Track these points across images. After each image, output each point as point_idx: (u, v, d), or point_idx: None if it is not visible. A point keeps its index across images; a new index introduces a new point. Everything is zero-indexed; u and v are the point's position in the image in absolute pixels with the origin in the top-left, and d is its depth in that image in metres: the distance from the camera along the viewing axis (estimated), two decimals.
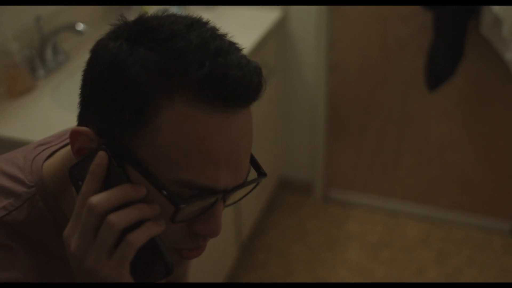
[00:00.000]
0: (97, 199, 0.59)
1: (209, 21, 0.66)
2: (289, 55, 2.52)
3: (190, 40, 0.60)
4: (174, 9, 2.28)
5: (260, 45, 2.17)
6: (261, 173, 0.71)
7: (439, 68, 2.12)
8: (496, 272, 2.39)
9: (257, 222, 2.66)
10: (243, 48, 0.65)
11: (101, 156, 0.61)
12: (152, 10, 2.20)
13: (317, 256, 2.51)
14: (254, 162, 0.71)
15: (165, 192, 0.59)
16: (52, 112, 1.61)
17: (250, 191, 0.70)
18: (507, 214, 2.57)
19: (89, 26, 1.90)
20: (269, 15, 2.33)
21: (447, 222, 2.67)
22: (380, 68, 2.43)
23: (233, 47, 0.63)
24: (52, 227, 0.71)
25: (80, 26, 1.78)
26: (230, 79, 0.58)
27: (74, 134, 0.63)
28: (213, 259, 2.06)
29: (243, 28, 2.18)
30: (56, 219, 0.71)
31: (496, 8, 1.87)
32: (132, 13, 2.27)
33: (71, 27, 1.80)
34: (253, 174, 0.70)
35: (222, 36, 0.64)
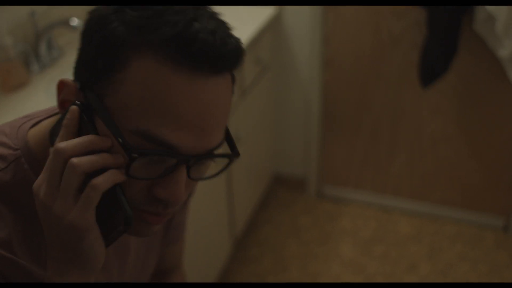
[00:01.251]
0: (64, 144, 0.61)
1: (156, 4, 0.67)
2: (283, 51, 2.52)
3: (173, 5, 0.62)
4: None
5: (255, 41, 2.17)
6: (234, 152, 0.70)
7: (433, 64, 2.13)
8: (489, 268, 2.40)
9: (251, 217, 2.67)
10: (232, 28, 0.66)
11: (73, 110, 0.63)
12: None
13: (310, 251, 2.52)
14: (229, 140, 0.72)
15: (120, 140, 0.61)
16: (46, 107, 1.61)
17: (221, 171, 0.70)
18: (500, 209, 2.59)
19: (83, 22, 1.89)
20: (264, 11, 2.33)
21: (439, 218, 2.69)
22: (374, 64, 2.44)
23: (215, 19, 0.64)
24: None
25: (75, 22, 1.78)
26: (198, 41, 0.60)
27: (60, 84, 0.66)
28: (207, 254, 2.07)
29: (238, 24, 2.18)
30: None
31: (489, 6, 1.88)
32: None
33: (65, 23, 1.80)
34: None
35: (210, 12, 0.65)
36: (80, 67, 0.66)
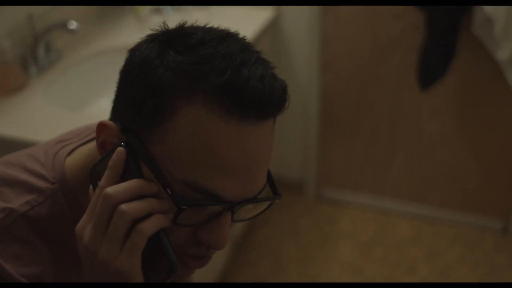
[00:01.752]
0: (113, 189, 0.61)
1: (244, 37, 0.67)
2: (282, 54, 2.52)
3: (219, 48, 0.61)
4: (167, 9, 2.28)
5: (253, 44, 2.17)
6: (276, 194, 0.71)
7: (431, 67, 2.13)
8: (488, 270, 2.40)
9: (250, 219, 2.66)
10: (274, 67, 0.66)
11: (120, 152, 0.63)
12: (145, 10, 2.20)
13: (309, 253, 2.52)
14: (270, 181, 0.71)
15: (169, 191, 0.61)
16: (44, 110, 1.61)
17: (263, 211, 0.71)
18: (499, 212, 2.58)
19: (82, 25, 1.89)
20: (262, 14, 2.33)
21: (438, 220, 2.69)
22: (373, 66, 2.44)
23: (260, 62, 0.64)
24: (73, 225, 0.71)
25: (73, 25, 1.78)
26: (249, 89, 0.59)
27: (100, 126, 0.66)
28: None
29: (236, 27, 2.17)
30: (77, 217, 0.71)
31: (488, 7, 1.88)
32: (126, 12, 2.27)
33: (63, 25, 1.80)
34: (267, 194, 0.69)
35: (254, 51, 0.65)
36: (120, 109, 0.65)
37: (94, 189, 0.66)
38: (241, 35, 0.67)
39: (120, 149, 0.63)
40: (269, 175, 0.71)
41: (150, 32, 0.66)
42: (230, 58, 0.61)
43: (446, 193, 2.64)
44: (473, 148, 2.48)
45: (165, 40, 0.63)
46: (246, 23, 2.22)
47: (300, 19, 2.41)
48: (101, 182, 0.63)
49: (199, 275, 2.02)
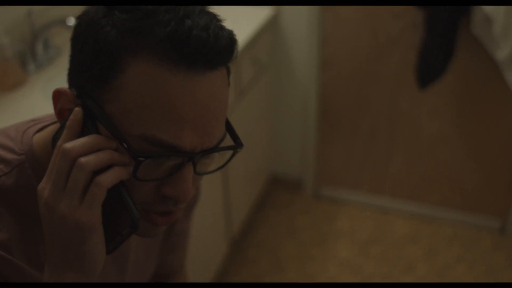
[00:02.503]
0: (71, 144, 0.61)
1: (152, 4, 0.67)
2: (281, 52, 2.52)
3: (163, 5, 0.62)
4: None
5: (253, 42, 2.17)
6: (237, 143, 0.71)
7: (430, 66, 2.13)
8: (485, 269, 2.41)
9: (248, 218, 2.67)
10: (223, 19, 0.66)
11: (76, 112, 0.63)
12: None
13: (307, 252, 2.52)
14: (231, 131, 0.72)
15: (125, 145, 0.61)
16: (43, 106, 1.61)
17: (226, 162, 0.71)
18: (497, 211, 2.59)
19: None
20: (262, 12, 2.33)
21: (436, 219, 2.69)
22: (372, 65, 2.44)
23: (205, 13, 0.64)
24: None
25: (72, 21, 1.77)
26: (192, 39, 0.60)
27: (56, 94, 0.66)
28: (204, 255, 2.06)
29: (235, 25, 2.18)
30: None
31: (487, 7, 1.88)
32: None
33: (62, 22, 1.79)
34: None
35: (200, 7, 0.65)
36: (74, 74, 0.65)
37: None
38: None
39: (76, 109, 0.63)
40: (228, 124, 0.71)
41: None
42: (174, 10, 0.61)
43: (444, 192, 2.64)
44: (471, 147, 2.48)
45: (111, 4, 0.63)
46: (245, 21, 2.22)
47: (300, 17, 2.41)
48: (59, 142, 0.63)
49: (197, 272, 2.02)
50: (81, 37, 0.64)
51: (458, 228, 2.64)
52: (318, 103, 2.61)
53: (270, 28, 2.42)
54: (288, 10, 2.41)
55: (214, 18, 0.65)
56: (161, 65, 0.60)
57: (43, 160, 0.72)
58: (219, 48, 0.62)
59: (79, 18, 0.66)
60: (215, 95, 0.63)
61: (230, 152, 0.70)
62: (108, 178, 0.61)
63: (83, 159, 0.60)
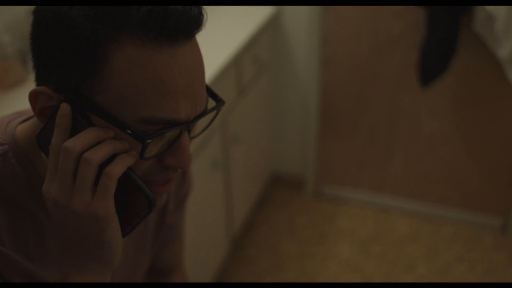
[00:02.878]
0: (71, 142, 0.62)
1: None
2: (282, 51, 2.52)
3: None
4: None
5: (253, 40, 2.17)
6: (218, 101, 0.73)
7: (431, 64, 2.13)
8: (486, 268, 2.40)
9: (248, 217, 2.67)
10: None
11: (64, 107, 0.63)
12: None
13: (308, 251, 2.52)
14: (210, 91, 0.74)
15: (129, 131, 0.62)
16: None
17: (213, 119, 0.74)
18: (497, 210, 2.59)
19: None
20: (262, 10, 2.33)
21: (437, 218, 2.69)
22: (372, 64, 2.44)
23: None
24: (26, 185, 0.72)
25: None
26: (170, 14, 0.60)
27: (33, 95, 0.65)
28: (204, 254, 2.06)
29: (236, 23, 2.18)
30: (30, 178, 0.72)
31: (488, 6, 1.88)
32: None
33: None
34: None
35: None
36: (51, 71, 0.64)
37: (46, 154, 0.66)
38: None
39: (64, 104, 0.63)
40: (206, 86, 0.73)
41: None
42: None
43: (445, 191, 2.64)
44: (472, 146, 2.48)
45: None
46: (246, 20, 2.22)
47: (300, 16, 2.41)
48: (53, 141, 0.63)
49: (197, 271, 2.02)
50: (50, 33, 0.62)
51: (458, 227, 2.64)
52: (319, 102, 2.60)
53: (271, 27, 2.42)
54: (289, 9, 2.41)
55: None
56: (144, 45, 0.60)
57: (27, 150, 0.72)
58: (195, 17, 0.63)
59: (37, 13, 0.64)
60: (197, 62, 0.65)
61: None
62: (117, 168, 0.62)
63: (88, 155, 0.61)
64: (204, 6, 2.35)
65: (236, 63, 2.04)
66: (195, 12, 0.62)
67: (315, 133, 2.67)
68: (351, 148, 2.70)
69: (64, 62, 0.62)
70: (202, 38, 2.04)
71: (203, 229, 2.02)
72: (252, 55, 2.21)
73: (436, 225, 2.65)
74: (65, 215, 0.63)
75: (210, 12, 2.30)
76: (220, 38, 2.04)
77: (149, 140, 0.62)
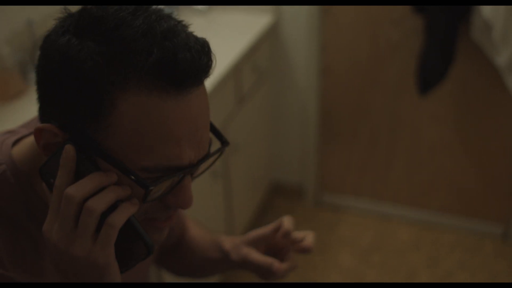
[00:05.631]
0: (73, 189, 0.61)
1: (152, 4, 0.66)
2: (281, 59, 2.52)
3: (136, 27, 0.60)
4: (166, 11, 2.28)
5: (253, 49, 2.17)
6: (223, 142, 0.74)
7: (430, 72, 2.13)
8: (487, 276, 2.40)
9: (250, 226, 2.66)
10: (188, 25, 0.67)
11: (68, 149, 0.62)
12: None
13: (309, 260, 2.51)
14: (215, 132, 0.74)
15: (133, 177, 0.62)
16: None
17: (215, 160, 0.74)
18: (498, 217, 2.58)
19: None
20: (261, 19, 2.34)
21: (438, 226, 2.68)
22: (371, 72, 2.44)
23: (179, 27, 0.64)
24: (23, 205, 0.72)
25: None
26: (179, 63, 0.60)
27: (37, 132, 0.65)
28: None
29: (236, 33, 2.18)
30: (29, 198, 0.72)
31: (486, 13, 1.89)
32: None
33: None
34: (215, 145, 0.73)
35: (168, 18, 0.64)
36: (53, 109, 0.64)
37: (48, 187, 0.66)
38: (149, 6, 0.66)
39: (68, 146, 0.62)
40: (212, 127, 0.73)
41: (56, 23, 0.65)
42: (151, 33, 0.60)
43: (446, 198, 2.64)
44: (472, 153, 2.47)
45: (79, 31, 0.61)
46: (246, 28, 2.23)
47: (299, 24, 2.41)
48: (57, 182, 0.63)
49: (199, 281, 2.01)
50: (56, 72, 0.62)
51: (460, 234, 2.63)
52: (318, 109, 2.61)
53: (270, 36, 2.43)
54: (288, 17, 2.42)
55: (186, 29, 0.65)
56: (151, 93, 0.60)
57: (25, 170, 0.72)
58: (204, 65, 0.63)
59: (44, 50, 0.64)
60: (203, 108, 0.66)
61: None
62: (120, 217, 0.62)
63: (91, 204, 0.61)
64: (203, 16, 2.36)
65: (235, 72, 2.04)
66: (204, 60, 0.62)
67: (315, 142, 2.67)
68: (351, 156, 2.70)
69: (70, 104, 0.61)
70: None
71: None
72: (252, 64, 2.21)
73: (437, 233, 2.65)
74: (65, 259, 0.63)
75: (209, 21, 2.31)
76: (220, 47, 2.05)
77: (152, 188, 0.62)
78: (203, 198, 1.94)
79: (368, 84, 2.48)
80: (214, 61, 0.65)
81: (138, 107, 0.60)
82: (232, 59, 1.96)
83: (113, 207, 0.62)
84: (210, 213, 2.03)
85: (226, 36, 2.15)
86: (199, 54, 0.62)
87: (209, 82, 1.80)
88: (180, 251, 1.12)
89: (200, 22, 2.30)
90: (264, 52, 2.37)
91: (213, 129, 0.74)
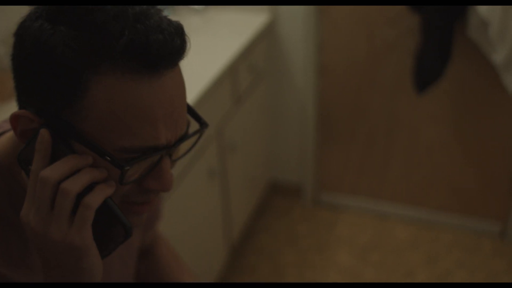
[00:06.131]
0: (48, 171, 0.62)
1: (148, 4, 0.67)
2: (278, 59, 2.52)
3: (108, 10, 0.60)
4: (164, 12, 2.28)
5: (249, 49, 2.17)
6: (202, 124, 0.74)
7: (427, 71, 2.13)
8: (486, 275, 2.40)
9: (247, 225, 2.66)
10: (162, 9, 0.67)
11: (43, 134, 0.63)
12: None
13: (307, 259, 2.51)
14: (194, 115, 0.75)
15: (108, 158, 0.62)
16: None
17: (195, 143, 0.74)
18: (496, 216, 2.58)
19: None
20: (258, 19, 2.34)
21: (436, 225, 2.68)
22: (368, 71, 2.44)
23: (152, 11, 0.64)
24: (8, 199, 0.72)
25: None
26: (151, 45, 0.60)
27: (14, 119, 0.65)
28: (203, 262, 2.06)
29: (232, 32, 2.18)
30: (12, 191, 0.72)
31: (482, 11, 1.89)
32: None
33: None
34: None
35: (140, 5, 0.65)
36: (28, 95, 0.64)
37: (26, 174, 0.66)
38: None
39: (43, 131, 0.63)
40: (189, 109, 0.74)
41: (30, 10, 0.65)
42: (123, 16, 0.60)
43: (443, 197, 2.64)
44: (470, 152, 2.47)
45: (52, 17, 0.61)
46: (242, 28, 2.23)
47: (296, 24, 2.41)
48: (33, 167, 0.63)
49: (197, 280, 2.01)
50: (30, 58, 0.62)
51: (458, 233, 2.63)
52: (316, 109, 2.61)
53: (266, 35, 2.43)
54: (285, 17, 2.42)
55: (160, 12, 0.65)
56: (124, 76, 0.60)
57: (7, 162, 0.72)
58: (177, 47, 0.63)
59: (18, 36, 0.64)
60: (178, 90, 0.65)
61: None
62: (96, 199, 0.62)
63: (66, 185, 0.61)
64: (200, 15, 2.36)
65: (232, 72, 2.04)
66: (177, 43, 0.62)
67: (312, 141, 2.67)
68: (349, 155, 2.70)
69: (44, 89, 0.62)
70: (198, 47, 2.05)
71: (202, 237, 2.01)
72: (248, 63, 2.21)
73: (435, 231, 2.65)
74: (43, 243, 0.63)
75: (206, 21, 2.31)
76: (216, 47, 2.05)
77: (128, 168, 0.62)
78: (200, 198, 1.94)
79: (365, 83, 2.48)
80: (188, 44, 0.65)
81: (112, 90, 0.60)
82: (228, 59, 1.96)
83: (89, 189, 0.62)
84: (207, 212, 2.03)
85: (223, 36, 2.15)
86: (172, 36, 0.62)
87: (205, 82, 1.80)
88: (153, 253, 1.13)
89: (196, 22, 2.30)
90: (261, 51, 2.37)
91: (191, 112, 0.74)
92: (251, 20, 2.32)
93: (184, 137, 0.69)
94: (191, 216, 1.89)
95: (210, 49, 2.04)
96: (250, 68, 2.24)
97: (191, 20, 2.32)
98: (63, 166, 0.62)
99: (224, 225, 2.23)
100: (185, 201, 1.82)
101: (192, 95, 1.72)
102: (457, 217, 2.65)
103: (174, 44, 0.62)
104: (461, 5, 2.01)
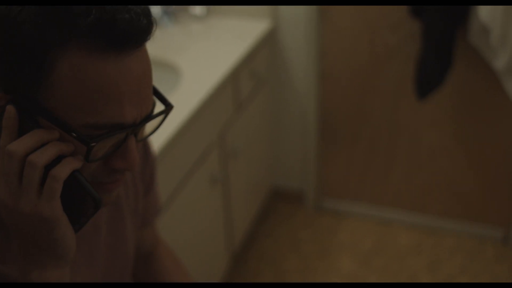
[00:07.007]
0: (14, 145, 0.63)
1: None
2: (280, 65, 2.53)
3: None
4: (165, 21, 2.29)
5: (251, 55, 2.18)
6: (167, 105, 0.75)
7: (428, 76, 2.13)
8: (488, 280, 2.39)
9: (249, 230, 2.66)
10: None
11: (9, 110, 0.64)
12: None
13: (309, 265, 2.51)
14: (159, 96, 0.76)
15: (74, 134, 0.63)
16: None
17: (160, 123, 0.75)
18: (499, 221, 2.58)
19: None
20: (259, 25, 2.34)
21: (438, 230, 2.68)
22: (370, 77, 2.45)
23: None
24: None
25: None
26: (118, 24, 0.60)
27: None
28: (205, 267, 2.06)
29: (234, 39, 2.19)
30: None
31: (483, 17, 1.89)
32: None
33: None
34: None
35: None
36: None
37: None
38: None
39: (9, 107, 0.64)
40: (155, 90, 0.75)
41: None
42: None
43: (446, 203, 2.63)
44: (472, 157, 2.47)
45: None
46: (244, 34, 2.23)
47: (298, 30, 2.42)
48: (0, 143, 0.64)
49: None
50: None
51: (460, 238, 2.63)
52: (318, 115, 2.61)
53: (268, 42, 2.44)
54: (286, 24, 2.42)
55: None
56: (91, 54, 0.61)
57: None
58: (143, 27, 0.63)
59: None
60: (144, 70, 0.66)
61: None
62: (63, 170, 0.63)
63: (33, 158, 0.62)
64: (201, 22, 2.37)
65: (233, 78, 2.05)
66: (144, 22, 0.63)
67: (314, 147, 2.68)
68: (351, 161, 2.70)
69: (11, 66, 0.63)
70: (199, 53, 2.06)
71: (204, 243, 2.01)
72: (250, 70, 2.22)
73: (438, 237, 2.65)
74: (15, 217, 0.64)
75: (208, 28, 2.31)
76: (218, 54, 2.06)
77: (94, 144, 0.63)
78: (202, 204, 1.94)
79: (367, 89, 2.48)
80: (154, 24, 0.66)
81: (78, 68, 0.61)
82: (230, 65, 1.97)
83: (56, 162, 0.64)
84: (209, 218, 2.04)
85: (224, 42, 2.15)
86: (139, 16, 0.62)
87: (207, 88, 1.80)
88: (154, 258, 1.14)
89: (198, 28, 2.31)
90: (262, 58, 2.38)
91: (157, 93, 0.75)
92: (253, 26, 2.33)
93: (149, 117, 0.70)
94: (193, 222, 1.89)
95: (211, 55, 2.05)
96: (251, 74, 2.24)
97: (192, 26, 2.32)
98: (30, 140, 0.63)
99: (226, 231, 2.24)
100: (187, 207, 1.83)
101: (194, 101, 1.72)
102: (460, 223, 2.65)
103: (141, 23, 0.63)
104: (463, 10, 2.01)
